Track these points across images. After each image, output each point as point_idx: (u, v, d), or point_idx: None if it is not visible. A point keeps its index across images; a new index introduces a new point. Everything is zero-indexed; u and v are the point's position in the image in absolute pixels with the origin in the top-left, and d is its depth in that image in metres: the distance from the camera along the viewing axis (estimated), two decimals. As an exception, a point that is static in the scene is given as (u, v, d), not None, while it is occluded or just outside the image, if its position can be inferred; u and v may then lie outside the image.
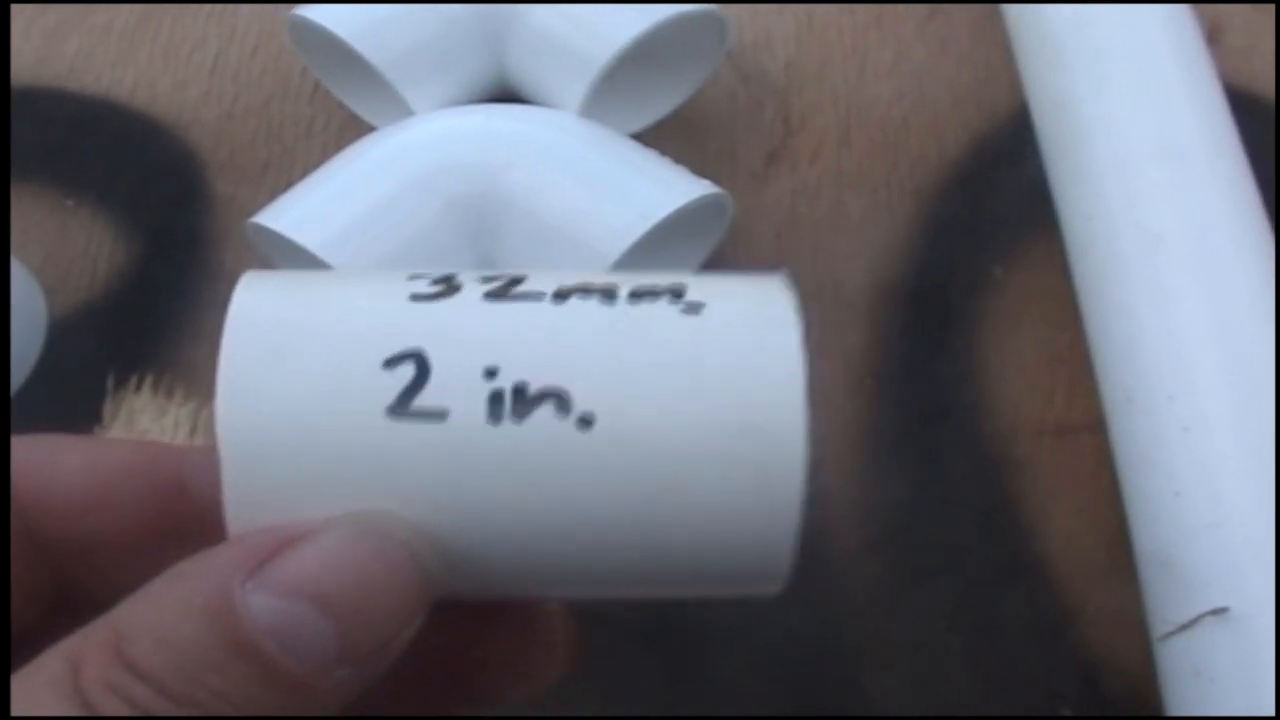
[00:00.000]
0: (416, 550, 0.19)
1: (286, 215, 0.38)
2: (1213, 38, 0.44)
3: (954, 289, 0.41)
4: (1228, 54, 0.44)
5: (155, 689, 0.18)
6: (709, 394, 0.20)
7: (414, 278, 0.21)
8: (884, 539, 0.37)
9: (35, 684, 0.18)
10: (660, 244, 0.37)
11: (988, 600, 0.36)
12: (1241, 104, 0.39)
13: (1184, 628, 0.31)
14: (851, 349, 0.40)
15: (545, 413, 0.20)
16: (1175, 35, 0.40)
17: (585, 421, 0.20)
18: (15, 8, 0.49)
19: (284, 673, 0.18)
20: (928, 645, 0.36)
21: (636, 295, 0.21)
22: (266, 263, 0.40)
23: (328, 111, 0.45)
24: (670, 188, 0.37)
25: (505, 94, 0.43)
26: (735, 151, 0.44)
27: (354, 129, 0.44)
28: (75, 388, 0.41)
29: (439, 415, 0.20)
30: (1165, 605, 0.32)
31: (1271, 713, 0.29)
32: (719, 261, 0.41)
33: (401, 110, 0.41)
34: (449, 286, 0.21)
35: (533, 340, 0.20)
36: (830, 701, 0.35)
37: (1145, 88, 0.38)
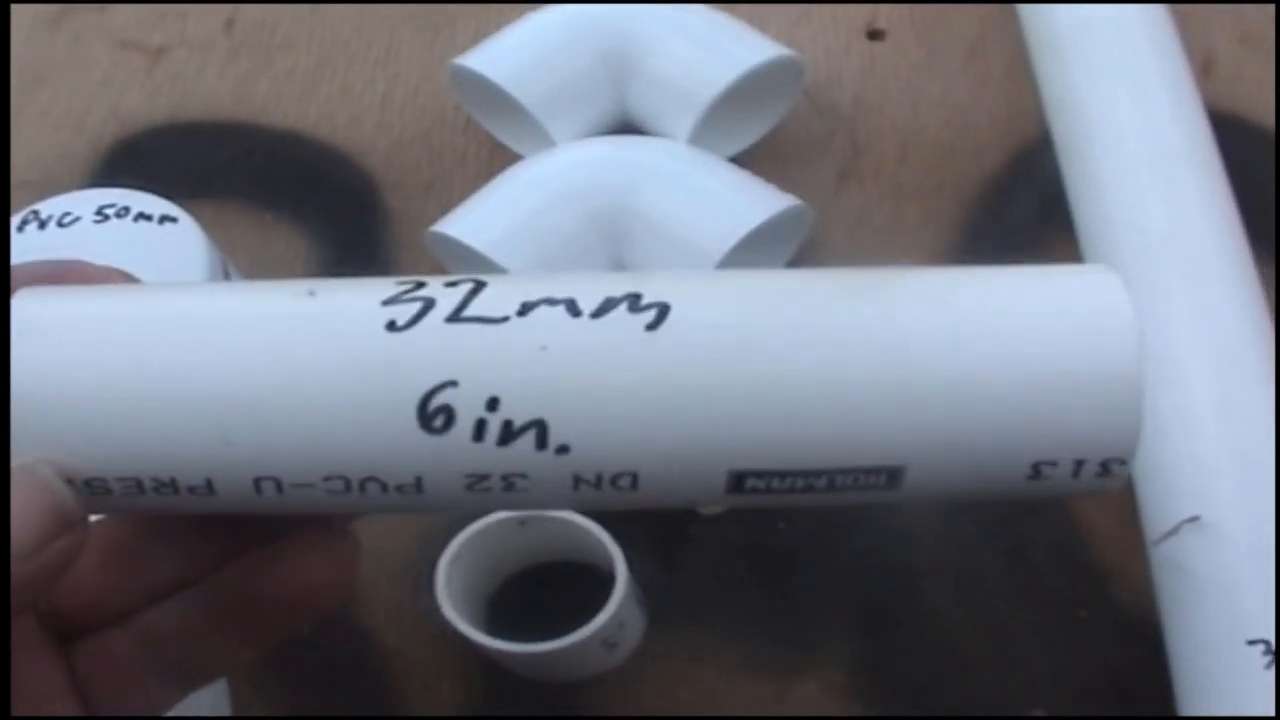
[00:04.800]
0: (52, 485, 0.26)
1: (460, 224, 0.48)
2: (1205, 70, 0.54)
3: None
4: (1218, 83, 0.53)
5: None
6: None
7: None
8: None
9: None
10: (753, 246, 0.47)
11: (1017, 528, 0.46)
12: (1229, 125, 0.49)
13: (1169, 534, 0.40)
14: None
15: None
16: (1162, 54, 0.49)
17: None
18: (213, 52, 0.59)
19: None
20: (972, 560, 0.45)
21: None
22: (438, 266, 0.50)
23: (478, 141, 0.56)
24: (761, 200, 0.47)
25: (627, 126, 0.53)
26: (812, 171, 0.54)
27: (500, 156, 0.54)
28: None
29: None
30: (1156, 518, 0.41)
31: (1237, 597, 0.38)
32: (801, 260, 0.50)
33: (543, 140, 0.51)
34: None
35: None
36: (900, 602, 0.45)
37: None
